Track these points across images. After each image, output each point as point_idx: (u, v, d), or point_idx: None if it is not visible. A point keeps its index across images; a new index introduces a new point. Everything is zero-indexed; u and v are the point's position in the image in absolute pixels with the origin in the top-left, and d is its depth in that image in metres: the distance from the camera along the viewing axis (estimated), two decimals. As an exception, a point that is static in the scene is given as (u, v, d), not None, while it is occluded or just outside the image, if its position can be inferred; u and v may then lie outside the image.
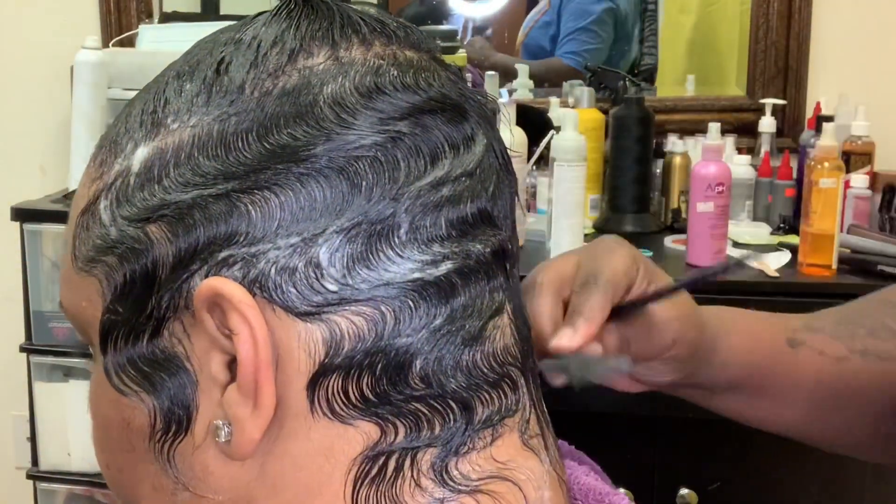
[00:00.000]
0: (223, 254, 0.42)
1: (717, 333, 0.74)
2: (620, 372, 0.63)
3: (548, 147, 1.75)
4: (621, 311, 0.67)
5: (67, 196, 1.92)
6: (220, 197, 0.42)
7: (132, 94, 1.98)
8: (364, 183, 0.42)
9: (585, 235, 1.78)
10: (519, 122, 1.97)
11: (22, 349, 1.92)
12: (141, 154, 0.44)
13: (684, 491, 1.69)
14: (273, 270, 0.42)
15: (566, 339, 0.64)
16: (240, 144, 0.42)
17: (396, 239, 0.42)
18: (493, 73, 2.25)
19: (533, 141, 1.98)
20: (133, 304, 0.44)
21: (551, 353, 0.65)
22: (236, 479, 0.44)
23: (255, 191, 0.42)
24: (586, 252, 0.71)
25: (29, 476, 1.97)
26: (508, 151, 0.48)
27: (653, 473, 1.69)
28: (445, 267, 0.43)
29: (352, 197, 0.42)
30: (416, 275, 0.42)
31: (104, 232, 0.45)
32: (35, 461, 1.96)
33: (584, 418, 1.65)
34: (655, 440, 1.71)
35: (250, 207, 0.42)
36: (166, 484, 0.45)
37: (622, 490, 0.53)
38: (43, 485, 1.97)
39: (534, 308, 0.67)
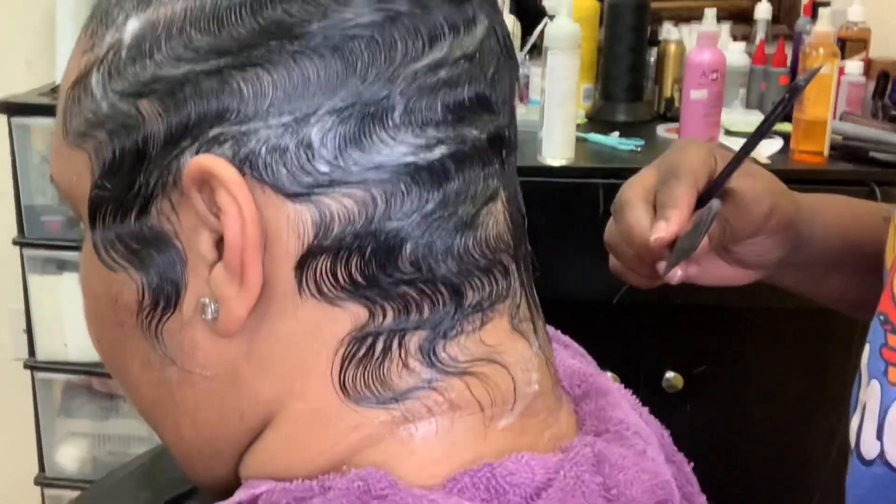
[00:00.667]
0: (213, 131, 0.41)
1: (814, 209, 0.77)
2: (714, 213, 0.66)
3: (541, 37, 1.73)
4: (709, 195, 0.71)
5: (54, 89, 1.90)
6: (212, 73, 0.41)
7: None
8: (359, 63, 0.41)
9: (578, 125, 1.77)
10: (513, 10, 1.94)
11: (15, 243, 1.93)
12: (132, 26, 0.43)
13: (670, 374, 1.72)
14: (264, 150, 0.41)
15: (662, 231, 0.68)
16: (233, 19, 0.41)
17: (390, 121, 0.42)
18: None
19: (527, 31, 1.96)
20: (122, 181, 0.44)
21: (657, 252, 0.69)
22: (224, 355, 0.44)
23: (248, 67, 0.41)
24: (661, 158, 0.74)
25: (26, 367, 2.00)
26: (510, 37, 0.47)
27: (639, 358, 1.72)
28: (439, 151, 0.43)
29: (346, 77, 0.41)
30: (409, 158, 0.42)
31: (95, 106, 0.44)
32: (32, 352, 1.99)
33: (569, 306, 1.67)
34: (641, 326, 1.74)
35: (242, 85, 0.41)
36: (155, 360, 0.46)
37: (608, 374, 0.54)
38: (40, 374, 2.01)
39: (629, 223, 0.72)
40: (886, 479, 0.67)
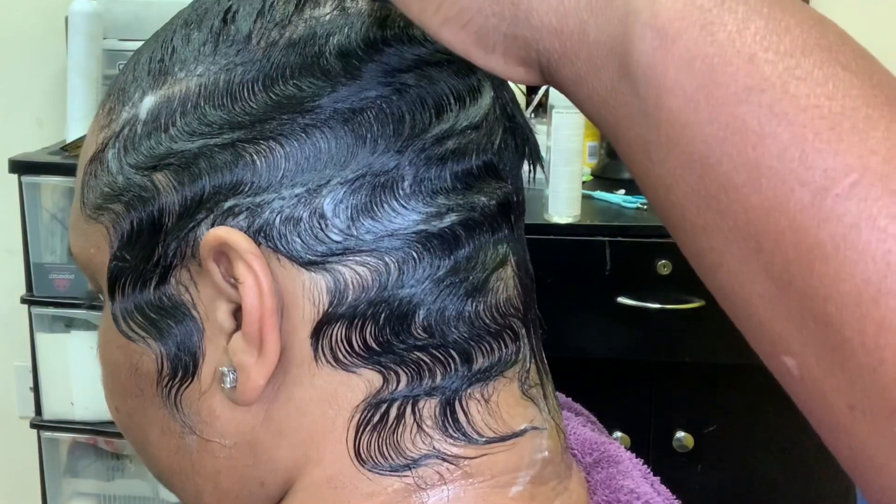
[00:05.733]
0: (229, 203, 0.42)
1: None
2: None
3: (546, 95, 1.75)
4: None
5: (65, 148, 1.91)
6: (226, 146, 0.43)
7: (128, 44, 1.95)
8: (369, 135, 0.42)
9: (584, 182, 1.78)
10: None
11: (23, 301, 1.93)
12: (148, 102, 0.45)
13: (680, 434, 1.71)
14: (278, 220, 0.42)
15: None
16: (246, 94, 0.43)
17: (401, 191, 0.42)
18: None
19: (531, 90, 1.98)
20: (140, 252, 0.45)
21: None
22: (242, 424, 0.44)
23: (261, 141, 0.42)
24: None
25: (33, 425, 1.99)
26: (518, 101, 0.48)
27: (649, 418, 1.71)
28: (450, 219, 0.43)
29: (356, 149, 0.42)
30: (421, 226, 0.43)
31: (111, 180, 0.45)
32: (38, 411, 1.98)
33: (580, 365, 1.67)
34: (651, 385, 1.73)
35: (255, 157, 0.42)
36: (174, 428, 0.46)
37: (618, 434, 0.54)
38: (47, 434, 2.00)
39: None
40: None
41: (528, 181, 0.49)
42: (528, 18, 0.35)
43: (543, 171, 1.66)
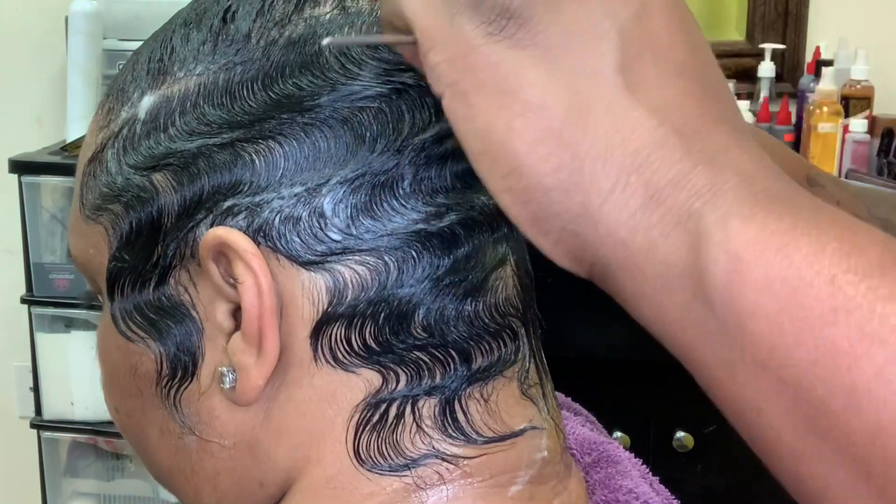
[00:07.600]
0: (228, 203, 0.42)
1: None
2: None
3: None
4: None
5: (65, 148, 1.91)
6: (225, 146, 0.42)
7: (128, 44, 1.95)
8: (368, 134, 0.42)
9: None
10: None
11: (23, 300, 1.93)
12: (147, 102, 0.45)
13: (680, 434, 1.71)
14: (277, 220, 0.42)
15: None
16: (245, 94, 0.43)
17: (400, 190, 0.42)
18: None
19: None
20: (139, 252, 0.45)
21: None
22: (241, 424, 0.44)
23: (260, 140, 0.42)
24: None
25: (33, 425, 1.99)
26: None
27: (649, 417, 1.71)
28: (449, 218, 0.43)
29: (356, 148, 0.42)
30: (420, 226, 0.43)
31: (110, 180, 0.45)
32: (38, 411, 1.98)
33: (580, 364, 1.67)
34: (651, 385, 1.73)
35: (255, 157, 0.42)
36: (173, 428, 0.46)
37: (618, 434, 0.53)
38: (47, 434, 2.00)
39: None
40: None
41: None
42: (595, 224, 0.34)
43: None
